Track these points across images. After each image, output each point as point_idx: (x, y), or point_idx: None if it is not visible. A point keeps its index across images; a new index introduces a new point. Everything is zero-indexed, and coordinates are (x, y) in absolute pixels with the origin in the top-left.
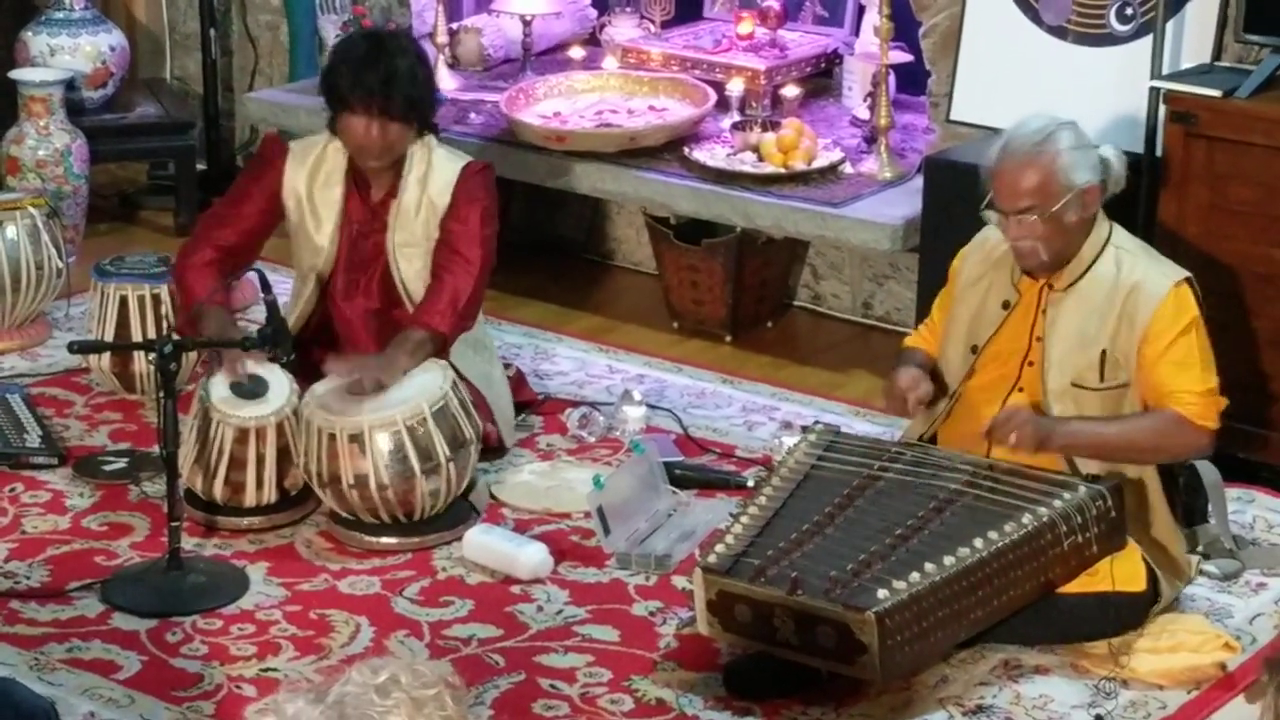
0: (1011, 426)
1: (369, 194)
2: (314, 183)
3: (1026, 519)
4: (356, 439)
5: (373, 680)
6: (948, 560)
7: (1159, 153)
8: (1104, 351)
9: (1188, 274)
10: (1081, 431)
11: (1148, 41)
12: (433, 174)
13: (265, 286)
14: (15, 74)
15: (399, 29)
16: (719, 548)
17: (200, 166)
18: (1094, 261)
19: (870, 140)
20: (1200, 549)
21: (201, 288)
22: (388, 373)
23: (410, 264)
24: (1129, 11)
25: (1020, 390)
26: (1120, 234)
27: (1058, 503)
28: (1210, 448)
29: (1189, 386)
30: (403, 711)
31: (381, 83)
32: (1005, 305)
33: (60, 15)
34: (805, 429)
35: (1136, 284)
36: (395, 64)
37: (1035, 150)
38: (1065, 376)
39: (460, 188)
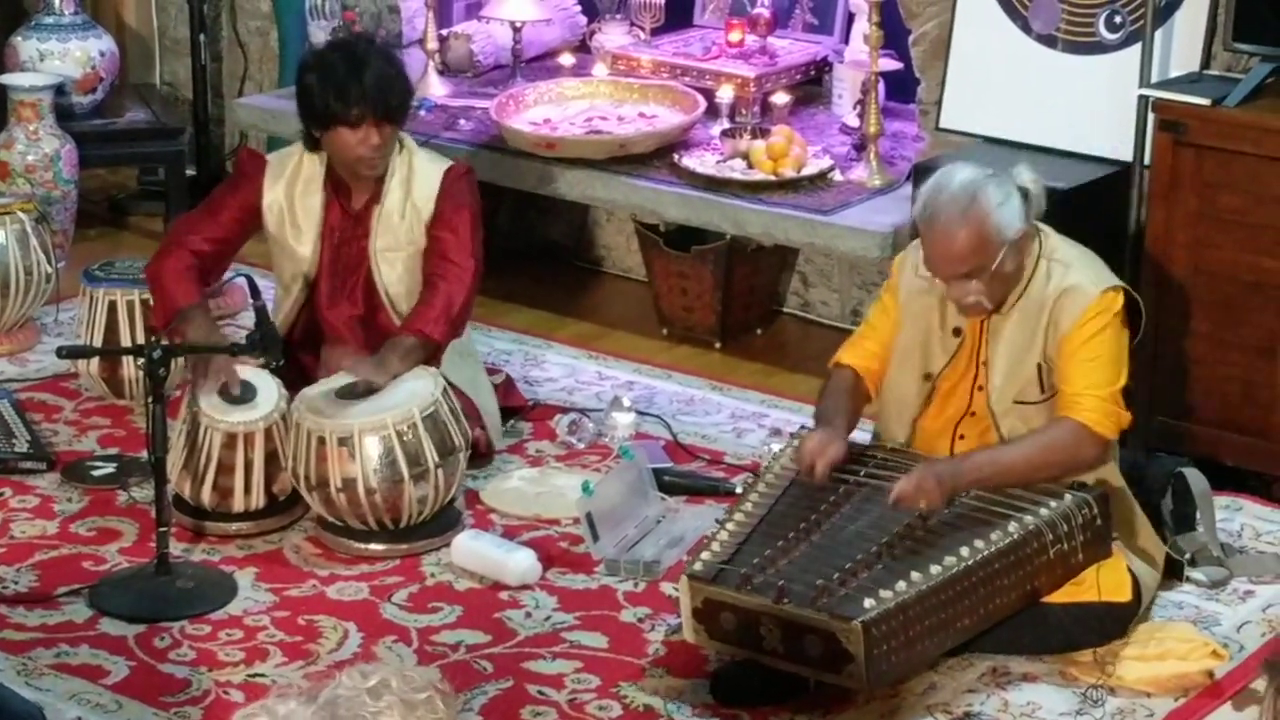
0: (918, 496)
1: (349, 202)
2: (294, 191)
3: (1013, 527)
4: (345, 442)
5: (364, 684)
6: (934, 569)
7: (1148, 161)
8: (1039, 365)
9: (1122, 283)
10: (983, 465)
11: (1136, 50)
12: (415, 178)
13: (254, 292)
14: (4, 79)
15: (364, 32)
16: (704, 555)
17: (190, 172)
18: (1030, 279)
19: (860, 148)
20: (1188, 557)
21: (181, 293)
22: (379, 374)
23: (392, 269)
24: (1118, 20)
25: (972, 414)
26: (1052, 242)
27: (1044, 511)
28: (1104, 460)
29: (1093, 387)
30: (395, 714)
31: (374, 89)
32: (957, 332)
33: (50, 20)
34: (794, 435)
35: (1065, 290)
36: (380, 68)
37: (964, 214)
38: (1009, 397)
39: (445, 193)
